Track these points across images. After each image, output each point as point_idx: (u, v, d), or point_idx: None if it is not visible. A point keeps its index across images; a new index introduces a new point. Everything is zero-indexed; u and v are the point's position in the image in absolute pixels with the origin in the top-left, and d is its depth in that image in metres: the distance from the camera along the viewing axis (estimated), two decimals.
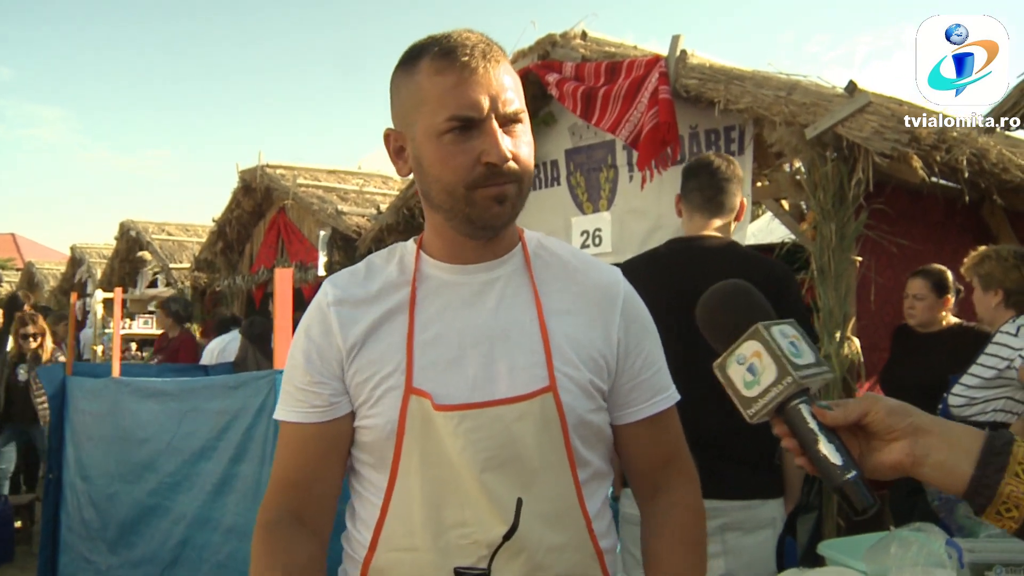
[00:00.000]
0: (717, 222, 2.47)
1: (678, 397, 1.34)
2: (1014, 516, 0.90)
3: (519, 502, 1.17)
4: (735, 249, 2.47)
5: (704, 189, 2.47)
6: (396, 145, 1.24)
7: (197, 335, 8.23)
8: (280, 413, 1.28)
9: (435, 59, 1.15)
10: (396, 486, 1.20)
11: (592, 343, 1.24)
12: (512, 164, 1.16)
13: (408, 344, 1.21)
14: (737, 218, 2.53)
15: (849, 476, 0.92)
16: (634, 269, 2.41)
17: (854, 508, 0.92)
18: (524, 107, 1.20)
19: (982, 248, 3.37)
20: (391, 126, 1.26)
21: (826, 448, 0.94)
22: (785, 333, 0.98)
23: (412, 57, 1.19)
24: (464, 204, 1.17)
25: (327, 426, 1.24)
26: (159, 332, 8.50)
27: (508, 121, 1.17)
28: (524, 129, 1.20)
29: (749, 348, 0.98)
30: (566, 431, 1.20)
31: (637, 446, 1.31)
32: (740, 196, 2.53)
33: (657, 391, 1.30)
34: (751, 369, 0.97)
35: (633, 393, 1.28)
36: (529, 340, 1.21)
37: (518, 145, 1.18)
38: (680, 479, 1.33)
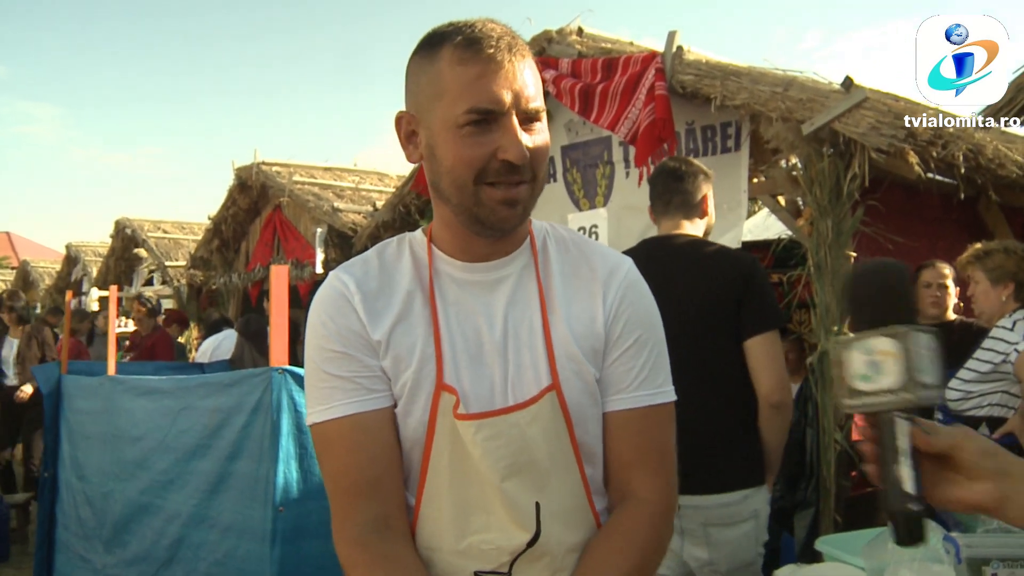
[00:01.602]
0: (685, 223, 2.52)
1: (673, 398, 1.26)
2: None
3: (538, 507, 1.16)
4: (701, 245, 2.51)
5: (662, 195, 2.54)
6: (408, 129, 1.20)
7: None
8: (324, 413, 1.18)
9: (458, 48, 1.11)
10: (427, 485, 1.18)
11: (590, 330, 1.21)
12: (526, 163, 1.13)
13: (436, 340, 1.18)
14: (702, 215, 2.55)
15: (915, 508, 0.88)
16: None
17: (900, 538, 0.89)
18: (544, 105, 1.17)
19: (980, 244, 3.37)
20: (403, 109, 1.21)
21: (905, 470, 0.89)
22: (928, 345, 0.91)
23: (434, 43, 1.15)
24: (472, 201, 1.13)
25: (386, 413, 1.18)
26: (133, 330, 8.50)
27: (528, 119, 1.14)
28: (542, 127, 1.17)
29: (884, 344, 0.90)
30: (571, 428, 1.18)
31: (610, 441, 1.23)
32: (703, 192, 2.54)
33: (642, 385, 1.22)
34: (874, 365, 0.90)
35: (614, 379, 1.22)
36: (534, 338, 1.20)
37: (535, 142, 1.14)
38: (650, 484, 1.22)
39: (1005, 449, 0.95)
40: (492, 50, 1.10)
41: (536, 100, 1.14)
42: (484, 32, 1.12)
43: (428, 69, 1.14)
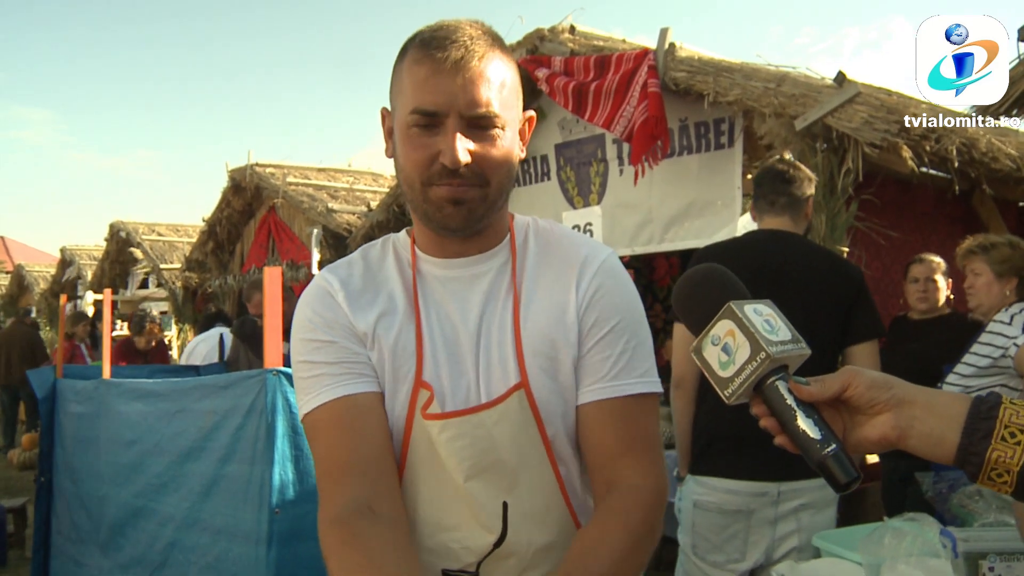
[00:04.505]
0: (789, 222, 2.63)
1: (655, 389, 1.22)
2: (1006, 480, 0.87)
3: (505, 507, 1.15)
4: (815, 246, 2.67)
5: (767, 194, 2.64)
6: (388, 126, 1.22)
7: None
8: (314, 400, 1.16)
9: (416, 48, 1.13)
10: (405, 480, 1.18)
11: (561, 322, 1.19)
12: (470, 168, 1.11)
13: (417, 337, 1.19)
14: (804, 216, 2.67)
15: (829, 450, 0.90)
16: (715, 252, 2.59)
17: (836, 482, 0.90)
18: (508, 108, 1.14)
19: (981, 236, 3.36)
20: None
21: (804, 423, 0.91)
22: (759, 311, 0.95)
23: (407, 44, 1.17)
24: (422, 200, 1.15)
25: (377, 397, 1.17)
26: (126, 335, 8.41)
27: (475, 125, 1.12)
28: (501, 134, 1.14)
29: (723, 327, 0.95)
30: (541, 426, 1.17)
31: (591, 432, 1.19)
32: (807, 195, 2.65)
33: (620, 374, 1.18)
34: (725, 349, 0.94)
35: (591, 369, 1.19)
36: (504, 335, 1.19)
37: (485, 148, 1.12)
38: (641, 470, 1.18)
39: (900, 379, 0.94)
40: (441, 52, 1.10)
41: (487, 105, 1.11)
42: (444, 33, 1.12)
43: (398, 69, 1.18)
